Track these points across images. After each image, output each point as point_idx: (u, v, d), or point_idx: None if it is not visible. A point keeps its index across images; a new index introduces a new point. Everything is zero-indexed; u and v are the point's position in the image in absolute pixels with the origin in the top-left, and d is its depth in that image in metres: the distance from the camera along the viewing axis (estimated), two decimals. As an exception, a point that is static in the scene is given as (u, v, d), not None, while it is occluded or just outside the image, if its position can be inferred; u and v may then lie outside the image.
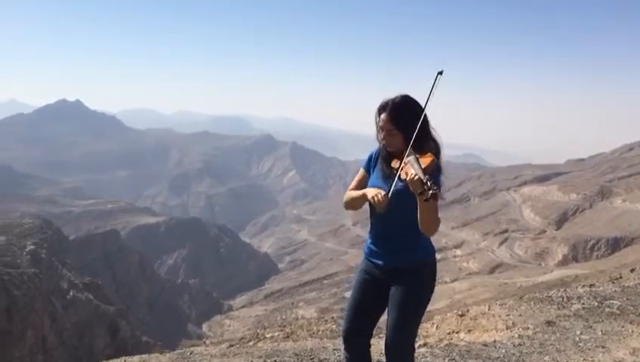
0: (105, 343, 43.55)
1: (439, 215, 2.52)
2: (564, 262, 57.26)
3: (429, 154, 2.53)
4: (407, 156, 2.49)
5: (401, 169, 2.52)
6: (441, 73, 2.51)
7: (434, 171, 2.49)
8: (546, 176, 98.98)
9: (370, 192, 2.60)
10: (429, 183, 2.28)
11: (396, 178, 2.58)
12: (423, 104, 2.62)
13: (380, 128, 2.69)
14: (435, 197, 2.27)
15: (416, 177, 2.33)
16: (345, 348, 2.93)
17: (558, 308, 6.11)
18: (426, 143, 2.60)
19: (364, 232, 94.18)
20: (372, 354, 3.02)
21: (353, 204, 2.79)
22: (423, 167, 2.40)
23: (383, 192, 2.55)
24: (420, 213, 2.48)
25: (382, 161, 2.77)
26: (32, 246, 43.14)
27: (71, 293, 43.24)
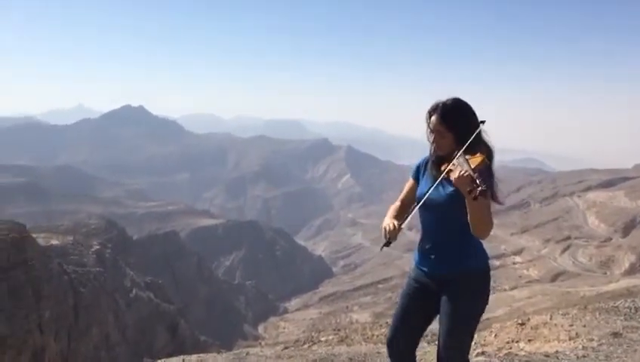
0: (165, 341, 44.80)
1: (494, 219, 2.47)
2: (631, 271, 54.64)
3: (479, 154, 2.49)
4: (457, 158, 2.47)
5: (448, 170, 2.49)
6: (483, 123, 2.58)
7: (484, 171, 2.43)
8: (611, 181, 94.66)
9: (384, 223, 2.66)
10: (477, 181, 2.25)
11: (438, 181, 2.57)
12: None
13: (431, 130, 2.68)
14: (483, 194, 2.23)
15: (466, 174, 2.31)
16: (388, 355, 2.91)
17: (625, 319, 5.85)
18: (477, 146, 2.55)
19: (419, 237, 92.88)
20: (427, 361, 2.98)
21: None
22: (472, 166, 2.37)
23: (394, 223, 2.60)
24: (470, 214, 2.43)
25: (432, 166, 2.74)
26: (98, 246, 44.91)
27: (133, 292, 44.70)
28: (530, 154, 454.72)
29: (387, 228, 2.59)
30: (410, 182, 2.91)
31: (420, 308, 2.82)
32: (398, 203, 2.87)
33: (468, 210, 2.42)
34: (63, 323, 29.60)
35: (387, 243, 2.60)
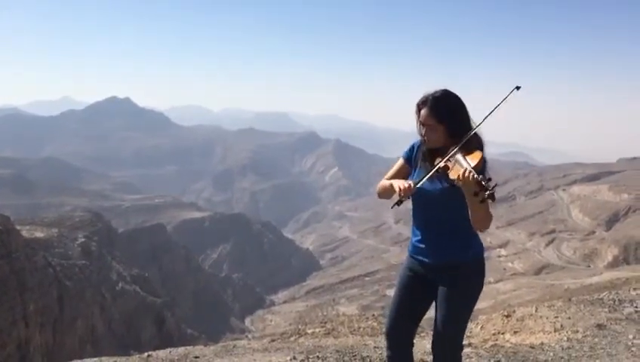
0: (151, 334, 44.71)
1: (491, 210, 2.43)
2: (614, 264, 55.40)
3: (477, 150, 2.41)
4: (454, 155, 2.40)
5: (445, 166, 2.42)
6: (518, 88, 2.42)
7: (484, 170, 2.38)
8: (596, 175, 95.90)
9: (397, 183, 2.52)
10: (483, 183, 2.18)
11: (431, 172, 2.50)
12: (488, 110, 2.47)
13: (421, 124, 2.61)
14: (492, 197, 2.16)
15: (472, 176, 2.23)
16: (388, 346, 2.90)
17: (610, 311, 5.89)
18: (471, 140, 2.48)
19: (405, 230, 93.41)
20: (416, 353, 2.97)
21: (385, 194, 2.71)
22: (472, 164, 2.29)
23: (408, 183, 2.48)
24: (472, 212, 2.39)
25: (424, 158, 2.68)
26: (83, 239, 44.55)
27: (119, 285, 44.50)
28: (518, 147, 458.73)
29: (401, 187, 2.48)
30: (400, 161, 2.81)
31: (416, 298, 2.80)
32: (384, 180, 2.78)
33: (470, 208, 2.38)
34: (47, 315, 29.39)
35: (399, 202, 2.50)
